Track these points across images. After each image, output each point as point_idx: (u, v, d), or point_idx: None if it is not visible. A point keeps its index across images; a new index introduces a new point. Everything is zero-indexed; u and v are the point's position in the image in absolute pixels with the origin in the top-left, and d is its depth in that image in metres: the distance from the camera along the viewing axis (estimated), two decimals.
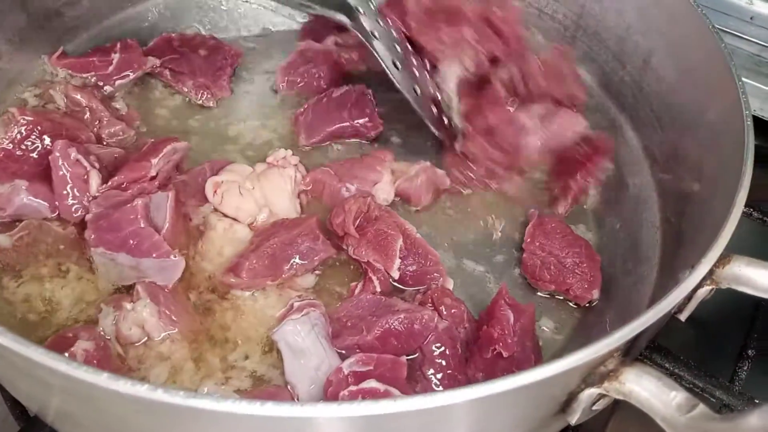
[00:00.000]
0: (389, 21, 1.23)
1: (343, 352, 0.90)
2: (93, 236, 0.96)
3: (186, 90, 1.25)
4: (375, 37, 1.14)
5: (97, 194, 1.01)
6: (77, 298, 0.96)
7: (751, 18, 1.27)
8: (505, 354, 0.87)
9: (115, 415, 0.63)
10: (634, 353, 0.70)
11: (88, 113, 1.14)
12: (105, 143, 1.13)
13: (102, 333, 0.91)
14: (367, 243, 0.99)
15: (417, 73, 1.17)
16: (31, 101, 1.16)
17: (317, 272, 1.03)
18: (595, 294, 1.02)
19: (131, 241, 0.95)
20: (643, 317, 0.64)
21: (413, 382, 0.89)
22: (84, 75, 1.19)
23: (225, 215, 1.05)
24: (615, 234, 1.12)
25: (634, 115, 1.19)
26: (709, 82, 1.01)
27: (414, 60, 1.18)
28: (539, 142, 1.12)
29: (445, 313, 0.93)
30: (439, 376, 0.89)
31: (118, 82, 1.21)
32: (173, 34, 1.29)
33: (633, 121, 1.20)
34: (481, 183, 1.13)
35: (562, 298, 1.04)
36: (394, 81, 1.13)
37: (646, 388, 0.62)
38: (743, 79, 0.92)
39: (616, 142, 1.20)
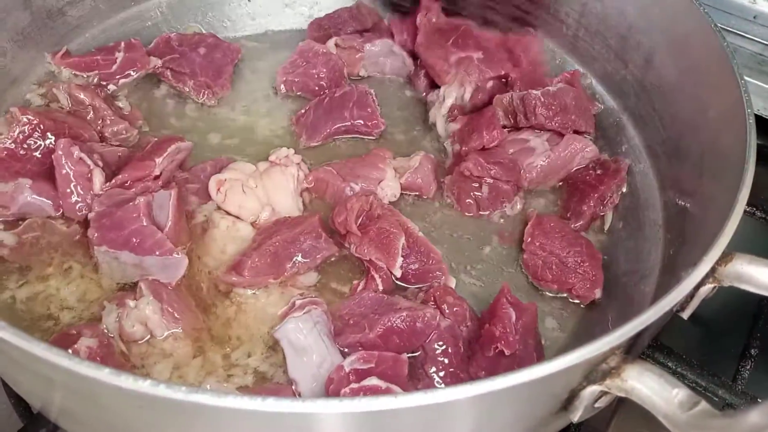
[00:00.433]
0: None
1: (346, 350, 0.90)
2: (96, 234, 0.96)
3: (187, 90, 1.25)
4: None
5: (100, 192, 1.01)
6: (81, 296, 0.97)
7: (754, 17, 1.26)
8: (507, 352, 0.87)
9: (118, 412, 0.63)
10: (636, 351, 0.70)
11: (91, 112, 1.14)
12: (108, 142, 1.13)
13: (105, 331, 0.91)
14: (370, 241, 0.99)
15: None
16: (35, 100, 1.16)
17: (319, 270, 1.03)
18: (598, 293, 1.02)
19: (134, 239, 0.95)
20: (645, 315, 0.64)
21: (415, 380, 0.89)
22: (87, 74, 1.20)
23: (228, 213, 1.05)
24: (617, 232, 1.11)
25: (636, 113, 1.19)
26: (711, 81, 1.00)
27: None
28: (544, 163, 1.13)
29: (447, 311, 0.93)
30: (441, 374, 0.89)
31: (121, 81, 1.22)
32: (172, 34, 1.29)
33: (635, 120, 1.20)
34: (489, 205, 1.13)
35: (564, 296, 1.04)
36: None
37: (648, 386, 0.62)
38: (746, 78, 0.92)
39: (617, 140, 1.20)
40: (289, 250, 0.99)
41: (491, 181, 1.10)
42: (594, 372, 0.64)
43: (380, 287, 0.98)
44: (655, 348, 1.00)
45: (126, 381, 0.54)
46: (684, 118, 1.07)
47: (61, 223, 1.02)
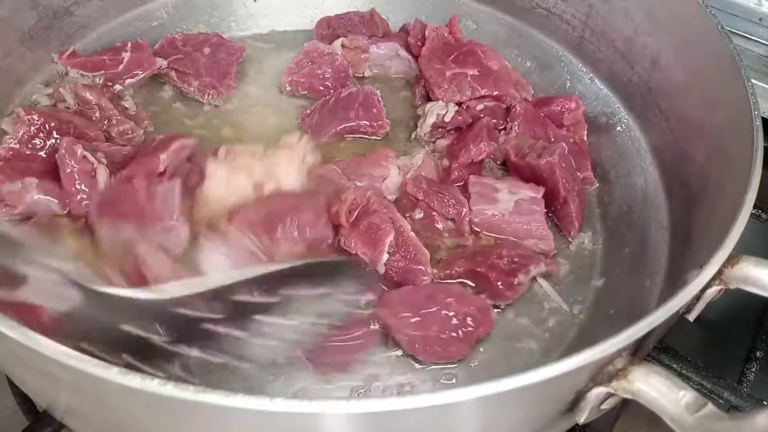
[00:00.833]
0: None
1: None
2: (96, 212, 0.98)
3: (192, 90, 1.25)
4: None
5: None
6: None
7: (759, 19, 1.26)
8: None
9: (125, 411, 0.63)
10: (642, 353, 0.69)
11: (97, 112, 1.14)
12: (114, 142, 1.14)
13: None
14: (359, 235, 1.00)
15: None
16: (42, 100, 1.16)
17: None
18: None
19: (135, 214, 0.97)
20: (652, 316, 0.64)
21: None
22: (94, 74, 1.20)
23: None
24: (623, 235, 1.11)
25: (642, 115, 1.19)
26: (717, 83, 1.00)
27: None
28: (494, 217, 1.08)
29: None
30: None
31: (127, 81, 1.22)
32: (177, 35, 1.30)
33: (641, 122, 1.20)
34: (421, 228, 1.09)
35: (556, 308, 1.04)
36: None
37: (655, 387, 0.62)
38: (752, 80, 0.92)
39: (624, 142, 1.20)
40: (285, 216, 0.99)
41: (425, 206, 1.09)
42: (600, 374, 0.64)
43: None
44: (660, 350, 1.00)
45: (133, 380, 0.54)
46: (690, 120, 1.07)
47: (68, 221, 1.02)
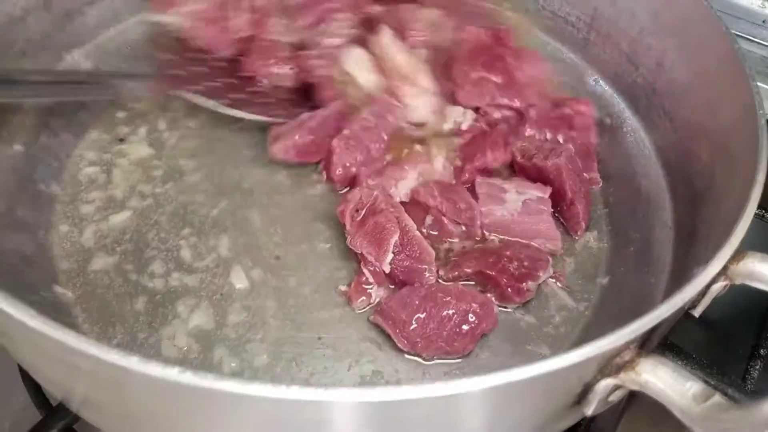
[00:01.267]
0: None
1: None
2: None
3: None
4: None
5: None
6: None
7: (763, 21, 1.28)
8: None
9: (144, 400, 0.64)
10: (649, 346, 0.70)
11: None
12: None
13: None
14: (364, 235, 1.00)
15: None
16: None
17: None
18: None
19: None
20: (659, 309, 0.65)
21: None
22: None
23: None
24: (628, 234, 1.12)
25: (647, 116, 1.21)
26: (722, 84, 1.02)
27: None
28: (504, 217, 1.08)
29: None
30: None
31: None
32: None
33: (645, 122, 1.21)
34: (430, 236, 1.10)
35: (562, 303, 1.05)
36: None
37: (662, 379, 0.63)
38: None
39: (629, 142, 1.21)
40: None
41: (436, 213, 1.08)
42: (608, 365, 0.65)
43: (371, 280, 0.99)
44: (665, 347, 1.01)
45: (154, 369, 0.56)
46: (695, 120, 1.08)
47: None
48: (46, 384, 0.84)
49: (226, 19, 1.23)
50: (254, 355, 0.94)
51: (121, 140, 1.19)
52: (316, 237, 1.08)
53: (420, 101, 1.19)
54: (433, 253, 1.02)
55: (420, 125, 1.19)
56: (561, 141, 1.18)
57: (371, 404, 0.58)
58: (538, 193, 1.10)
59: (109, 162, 1.16)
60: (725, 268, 0.75)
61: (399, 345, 0.94)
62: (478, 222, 1.07)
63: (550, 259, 1.04)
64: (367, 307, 1.00)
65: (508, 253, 1.03)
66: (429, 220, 1.08)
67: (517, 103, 1.20)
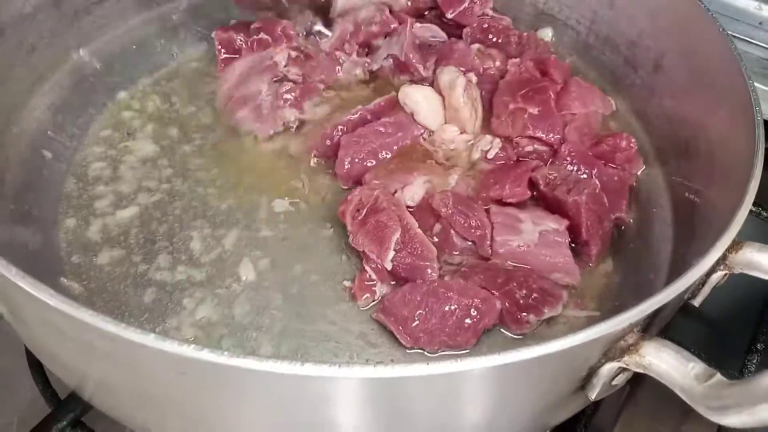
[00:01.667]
0: None
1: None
2: None
3: None
4: None
5: None
6: None
7: (759, 23, 1.30)
8: None
9: (159, 380, 0.65)
10: (651, 332, 0.72)
11: None
12: None
13: None
14: (366, 233, 1.01)
15: None
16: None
17: None
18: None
19: None
20: (662, 294, 0.67)
21: None
22: None
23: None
24: (628, 231, 1.13)
25: (645, 117, 1.23)
26: (719, 84, 1.04)
27: None
28: (519, 249, 1.03)
29: None
30: None
31: None
32: None
33: (644, 123, 1.23)
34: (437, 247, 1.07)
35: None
36: None
37: (665, 360, 0.65)
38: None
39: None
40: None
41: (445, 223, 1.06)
42: (613, 349, 0.67)
43: (374, 277, 1.00)
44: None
45: (170, 345, 0.57)
46: (693, 120, 1.10)
47: None
48: (60, 371, 0.85)
49: None
50: (259, 346, 0.95)
51: (129, 136, 1.21)
52: (323, 232, 1.10)
53: (451, 136, 1.20)
54: (435, 250, 1.02)
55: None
56: (592, 173, 1.13)
57: (380, 381, 0.60)
58: (554, 225, 1.05)
59: (116, 158, 1.18)
60: (724, 258, 0.77)
61: (402, 341, 0.95)
62: (488, 243, 1.04)
63: (564, 297, 1.00)
64: (372, 304, 1.01)
65: (519, 278, 0.99)
66: (437, 228, 1.07)
67: (550, 138, 1.16)
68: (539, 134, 1.16)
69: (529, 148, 1.18)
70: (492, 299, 0.96)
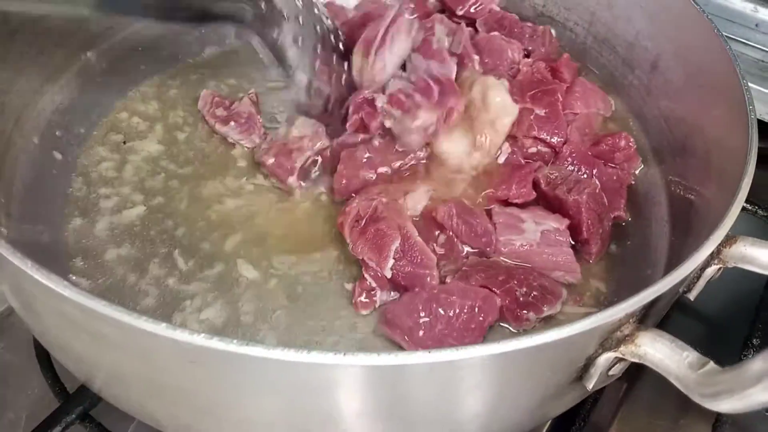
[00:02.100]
0: None
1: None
2: None
3: None
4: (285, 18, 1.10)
5: None
6: None
7: (755, 25, 1.32)
8: None
9: (170, 370, 0.67)
10: (647, 323, 0.74)
11: None
12: None
13: None
14: (365, 241, 1.01)
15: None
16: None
17: None
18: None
19: None
20: (658, 285, 0.69)
21: None
22: None
23: None
24: (626, 228, 1.14)
25: (642, 117, 1.25)
26: (714, 84, 1.06)
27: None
28: (522, 248, 1.05)
29: None
30: None
31: None
32: None
33: (641, 123, 1.25)
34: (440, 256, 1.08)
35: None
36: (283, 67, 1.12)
37: (660, 350, 0.67)
38: (748, 84, 0.97)
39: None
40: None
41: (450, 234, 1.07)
42: (609, 339, 0.69)
43: (373, 285, 1.00)
44: None
45: (182, 335, 0.59)
46: (689, 120, 1.12)
47: None
48: (71, 363, 0.86)
49: None
50: (264, 341, 0.96)
51: (135, 137, 1.23)
52: (325, 233, 1.11)
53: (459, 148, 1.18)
54: (435, 258, 1.03)
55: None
56: (592, 173, 1.15)
57: (383, 369, 0.61)
58: (555, 224, 1.06)
59: (121, 158, 1.20)
60: (718, 252, 0.79)
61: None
62: (493, 247, 1.06)
63: (563, 295, 1.02)
64: (373, 310, 1.01)
65: (519, 276, 1.00)
66: (442, 238, 1.07)
67: (553, 139, 1.17)
68: (543, 136, 1.17)
69: (533, 149, 1.19)
70: (492, 297, 0.97)
